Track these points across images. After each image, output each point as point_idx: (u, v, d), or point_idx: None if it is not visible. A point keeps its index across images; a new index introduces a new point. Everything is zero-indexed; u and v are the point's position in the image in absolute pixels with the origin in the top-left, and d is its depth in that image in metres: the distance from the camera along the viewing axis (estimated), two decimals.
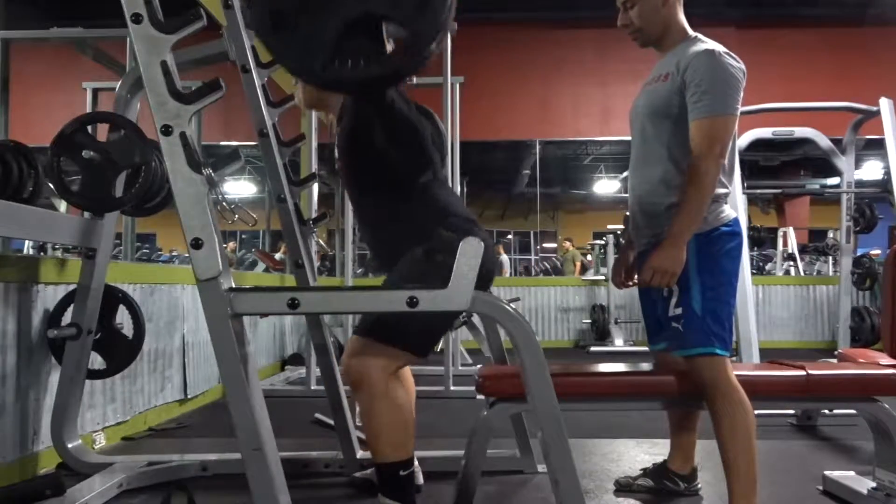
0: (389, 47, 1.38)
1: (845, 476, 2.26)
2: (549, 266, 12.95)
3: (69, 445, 2.50)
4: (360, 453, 2.55)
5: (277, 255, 8.49)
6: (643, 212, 2.04)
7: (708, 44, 1.93)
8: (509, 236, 17.82)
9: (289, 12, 1.30)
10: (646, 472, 2.30)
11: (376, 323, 1.86)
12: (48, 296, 2.61)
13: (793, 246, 9.55)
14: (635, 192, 2.07)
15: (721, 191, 1.93)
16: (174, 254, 11.53)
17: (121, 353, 2.68)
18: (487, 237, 2.02)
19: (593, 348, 7.22)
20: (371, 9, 1.29)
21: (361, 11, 1.29)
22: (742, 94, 1.89)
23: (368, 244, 2.22)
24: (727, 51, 1.90)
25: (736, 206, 2.04)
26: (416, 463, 2.31)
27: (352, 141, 2.02)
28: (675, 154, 1.94)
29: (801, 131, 5.09)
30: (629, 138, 2.13)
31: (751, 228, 6.61)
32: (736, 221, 1.97)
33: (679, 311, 1.92)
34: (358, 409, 3.20)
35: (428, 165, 1.97)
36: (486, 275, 1.94)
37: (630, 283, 2.31)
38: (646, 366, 2.31)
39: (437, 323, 1.98)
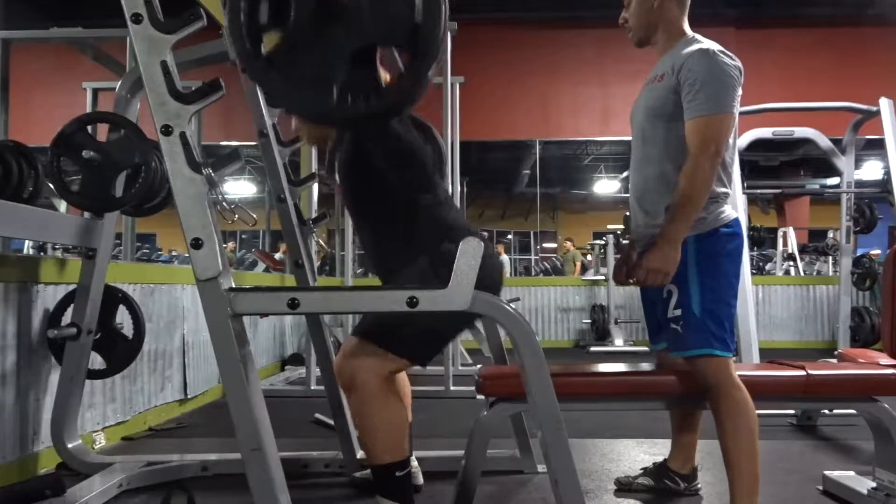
0: (384, 77, 1.38)
1: (845, 476, 2.26)
2: (549, 266, 12.94)
3: (69, 445, 2.50)
4: (360, 453, 2.55)
5: (277, 255, 8.50)
6: (644, 211, 2.04)
7: (704, 43, 1.92)
8: (509, 236, 17.82)
9: (280, 51, 1.29)
10: (646, 472, 2.30)
11: (374, 326, 1.84)
12: (48, 296, 2.61)
13: (793, 246, 9.55)
14: (635, 191, 2.07)
15: (721, 190, 1.93)
16: (174, 254, 11.54)
17: (121, 353, 2.68)
18: (491, 249, 1.99)
19: (593, 348, 7.22)
20: (367, 40, 1.28)
21: (358, 44, 1.28)
22: (739, 93, 1.87)
23: (370, 262, 2.20)
24: (722, 49, 1.89)
25: (736, 206, 2.03)
26: (416, 463, 2.31)
27: (352, 168, 2.03)
28: (672, 154, 1.94)
29: (801, 131, 5.08)
30: (629, 138, 2.14)
31: (751, 228, 6.62)
32: (736, 222, 1.96)
33: (678, 312, 1.91)
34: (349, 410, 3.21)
35: (429, 188, 1.97)
36: (493, 287, 1.92)
37: (631, 281, 2.31)
38: (646, 366, 2.31)
39: (439, 331, 1.94)
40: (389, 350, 1.81)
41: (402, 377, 2.18)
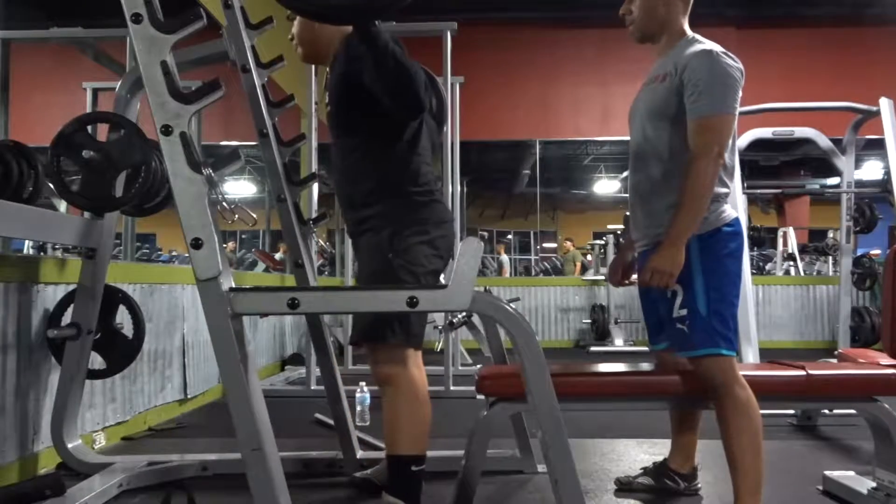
0: None
1: (845, 476, 2.26)
2: (549, 266, 12.94)
3: (69, 445, 2.49)
4: (360, 453, 2.55)
5: (277, 255, 8.50)
6: (644, 211, 2.04)
7: (706, 44, 1.93)
8: (509, 236, 17.81)
9: None
10: (646, 471, 2.30)
11: (368, 327, 1.96)
12: (48, 296, 2.61)
13: (793, 246, 9.54)
14: (635, 191, 2.07)
15: (722, 190, 1.93)
16: (174, 254, 11.53)
17: (121, 353, 2.67)
18: (448, 213, 2.13)
19: (593, 348, 7.22)
20: None
21: None
22: (740, 94, 1.89)
23: (335, 182, 2.19)
24: (725, 51, 1.90)
25: (736, 206, 2.04)
26: None
27: (342, 84, 2.02)
28: (674, 154, 1.94)
29: (801, 131, 5.08)
30: (629, 138, 2.14)
31: (751, 228, 6.61)
32: (737, 221, 1.97)
33: (684, 311, 1.91)
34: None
35: (419, 111, 1.93)
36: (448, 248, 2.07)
37: (626, 282, 2.32)
38: (646, 366, 2.31)
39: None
40: (385, 341, 1.92)
41: (424, 375, 2.22)
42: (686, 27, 2.02)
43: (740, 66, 1.89)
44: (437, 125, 2.28)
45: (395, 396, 1.93)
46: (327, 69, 2.21)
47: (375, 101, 1.88)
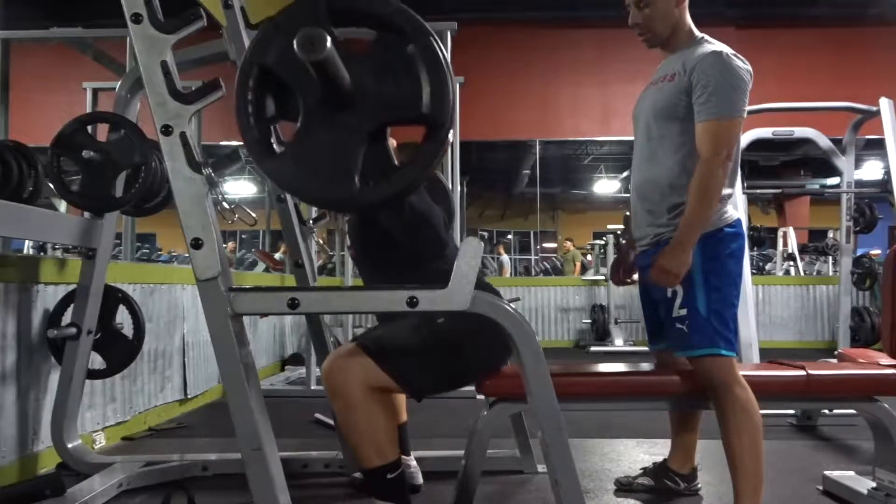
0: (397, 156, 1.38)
1: (845, 476, 2.26)
2: (549, 266, 12.94)
3: (69, 445, 2.49)
4: None
5: (277, 255, 8.49)
6: (646, 211, 2.03)
7: (715, 45, 1.93)
8: (509, 236, 17.81)
9: (292, 142, 1.27)
10: (646, 472, 2.31)
11: (377, 341, 1.85)
12: (48, 296, 2.61)
13: (793, 246, 9.54)
14: (639, 191, 2.06)
15: (725, 191, 1.93)
16: (174, 254, 11.53)
17: (121, 353, 2.67)
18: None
19: (593, 348, 7.22)
20: (377, 123, 1.25)
21: (368, 128, 1.25)
22: (748, 96, 1.88)
23: (362, 273, 2.26)
24: (735, 52, 1.90)
25: (736, 206, 2.03)
26: (415, 463, 2.31)
27: (362, 229, 2.08)
28: (680, 154, 1.94)
29: (801, 131, 5.07)
30: (629, 138, 2.13)
31: (751, 228, 6.60)
32: (739, 222, 1.97)
33: (684, 311, 1.91)
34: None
35: (439, 250, 2.00)
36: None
37: (628, 281, 2.31)
38: (646, 366, 2.31)
39: (450, 371, 1.93)
40: (386, 370, 1.79)
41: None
42: (692, 26, 2.02)
43: (749, 67, 1.88)
44: (448, 219, 2.25)
45: (346, 413, 1.81)
46: None
47: (395, 240, 1.94)
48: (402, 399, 2.31)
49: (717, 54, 1.87)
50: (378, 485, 1.84)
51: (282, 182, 1.34)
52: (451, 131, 1.29)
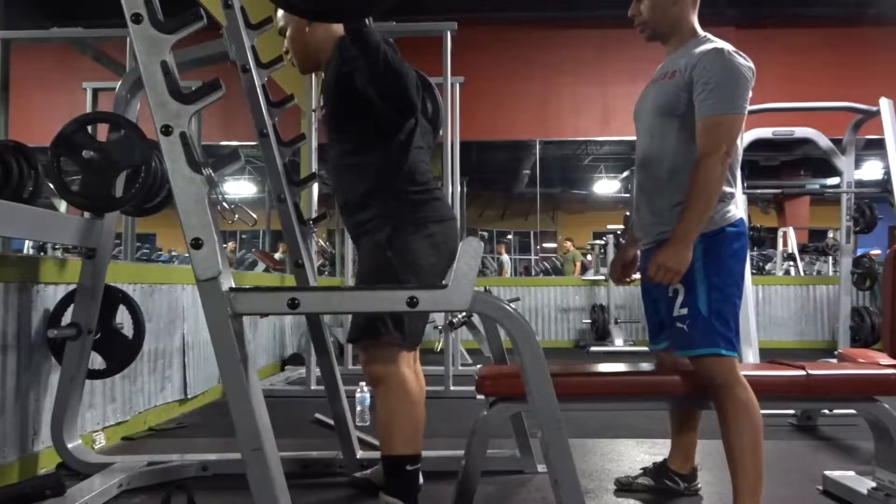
0: None
1: (845, 476, 2.26)
2: (549, 266, 12.94)
3: (69, 445, 2.49)
4: (360, 453, 2.55)
5: (277, 255, 8.49)
6: (648, 209, 2.03)
7: (717, 42, 1.93)
8: (509, 236, 17.81)
9: None
10: (646, 472, 2.30)
11: (362, 324, 1.95)
12: (48, 296, 2.61)
13: (793, 246, 9.54)
14: (641, 189, 2.06)
15: (728, 190, 1.93)
16: (174, 254, 11.53)
17: (121, 353, 2.67)
18: (449, 210, 2.12)
19: (593, 348, 7.22)
20: None
21: None
22: (750, 94, 1.88)
23: (333, 186, 2.20)
24: (736, 50, 1.90)
25: (737, 206, 2.03)
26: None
27: (336, 86, 2.03)
28: (681, 152, 1.93)
29: (801, 131, 5.07)
30: (629, 138, 2.15)
31: (751, 228, 6.59)
32: (742, 222, 1.97)
33: (685, 311, 1.91)
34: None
35: (410, 112, 1.95)
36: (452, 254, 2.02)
37: (628, 280, 2.31)
38: (646, 366, 2.31)
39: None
40: (378, 336, 1.91)
41: (420, 374, 2.22)
42: (696, 25, 2.02)
43: (751, 64, 1.88)
44: (432, 129, 2.27)
45: (386, 396, 1.93)
46: (323, 73, 2.22)
47: (368, 103, 1.89)
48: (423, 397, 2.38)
49: (719, 51, 1.87)
50: (395, 475, 1.86)
51: None
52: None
